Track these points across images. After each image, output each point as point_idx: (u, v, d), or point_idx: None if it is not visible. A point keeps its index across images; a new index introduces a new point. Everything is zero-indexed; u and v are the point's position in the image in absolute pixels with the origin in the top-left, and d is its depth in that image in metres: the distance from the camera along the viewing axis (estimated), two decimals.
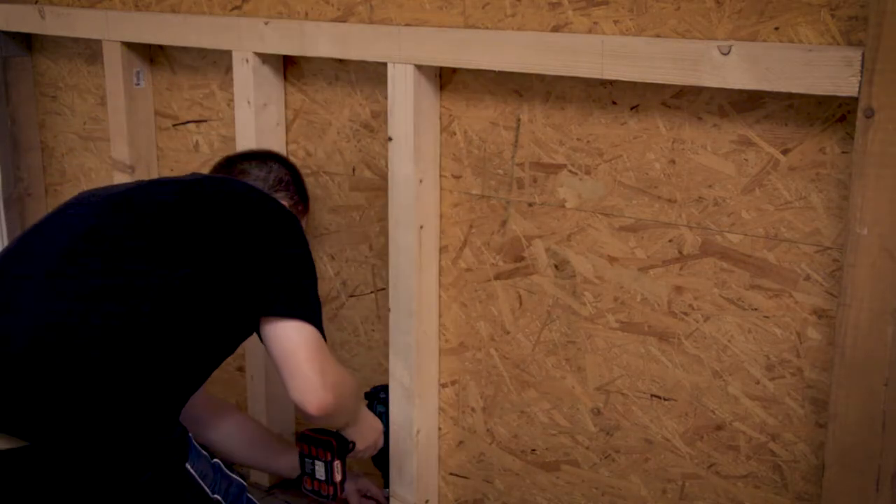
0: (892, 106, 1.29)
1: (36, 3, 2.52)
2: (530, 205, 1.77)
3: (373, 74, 1.95)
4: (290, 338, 1.55)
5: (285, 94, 2.11)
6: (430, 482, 2.00)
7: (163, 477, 1.51)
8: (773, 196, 1.51)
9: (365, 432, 1.86)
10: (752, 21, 1.45)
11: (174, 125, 2.38)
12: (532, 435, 1.86)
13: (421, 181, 1.83)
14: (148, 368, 1.47)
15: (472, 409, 1.94)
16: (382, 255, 2.02)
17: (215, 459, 1.67)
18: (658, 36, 1.54)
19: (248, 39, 2.02)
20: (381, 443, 1.93)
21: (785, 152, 1.49)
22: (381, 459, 1.98)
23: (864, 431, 1.40)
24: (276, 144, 2.11)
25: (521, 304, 1.82)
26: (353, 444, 1.83)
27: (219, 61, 2.23)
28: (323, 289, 2.03)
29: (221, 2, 2.14)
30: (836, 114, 1.43)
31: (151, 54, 2.37)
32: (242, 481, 1.70)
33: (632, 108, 1.62)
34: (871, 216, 1.34)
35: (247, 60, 2.05)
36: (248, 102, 2.07)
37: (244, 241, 1.59)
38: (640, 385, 1.70)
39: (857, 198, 1.34)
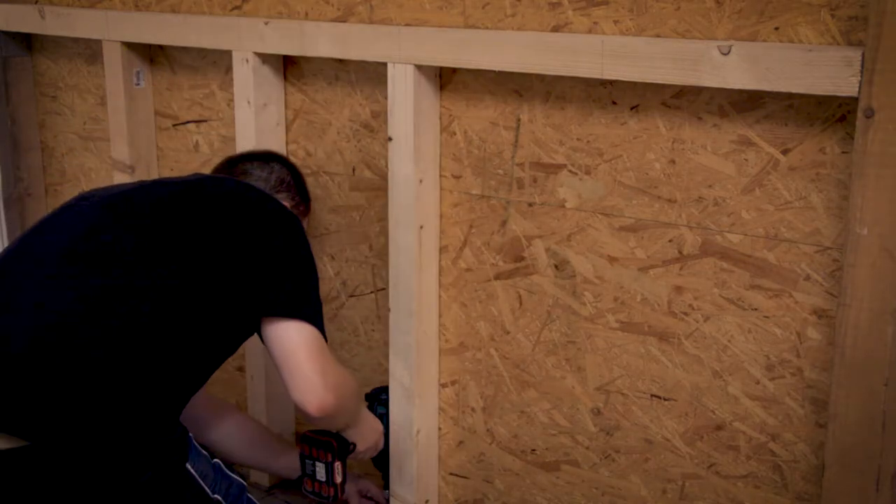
0: (892, 106, 1.29)
1: (36, 3, 2.52)
2: (530, 205, 1.77)
3: (373, 74, 1.95)
4: (290, 338, 1.55)
5: (285, 94, 2.11)
6: (430, 482, 2.00)
7: (163, 477, 1.52)
8: (773, 196, 1.51)
9: (365, 433, 1.86)
10: (752, 21, 1.45)
11: (174, 125, 2.38)
12: (532, 435, 1.87)
13: (421, 181, 1.83)
14: (148, 369, 1.47)
15: (472, 409, 1.94)
16: (382, 255, 2.02)
17: (215, 459, 1.67)
18: (658, 36, 1.54)
19: (248, 39, 2.02)
20: (381, 444, 1.93)
21: (785, 152, 1.49)
22: (382, 461, 1.98)
23: (864, 431, 1.40)
24: (276, 144, 2.11)
25: (521, 304, 1.82)
26: (354, 445, 1.83)
27: (219, 61, 2.23)
28: (323, 289, 2.03)
29: (221, 2, 2.14)
30: (836, 114, 1.43)
31: (151, 54, 2.37)
32: (243, 481, 1.70)
33: (632, 108, 1.62)
34: (871, 216, 1.34)
35: (247, 60, 2.05)
36: (248, 102, 2.07)
37: (245, 241, 1.59)
38: (640, 385, 1.70)
39: (857, 198, 1.34)
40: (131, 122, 2.37)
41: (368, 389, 2.02)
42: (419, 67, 1.77)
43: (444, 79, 1.82)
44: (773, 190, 1.51)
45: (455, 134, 1.84)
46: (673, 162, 1.59)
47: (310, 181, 2.04)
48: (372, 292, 2.08)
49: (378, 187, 1.99)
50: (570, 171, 1.71)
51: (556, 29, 1.64)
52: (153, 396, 1.49)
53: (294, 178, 1.92)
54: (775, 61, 1.37)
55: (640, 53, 1.50)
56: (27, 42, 2.68)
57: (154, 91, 2.40)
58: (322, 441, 1.80)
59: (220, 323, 1.58)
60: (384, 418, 1.95)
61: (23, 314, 1.47)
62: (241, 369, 2.31)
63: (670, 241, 1.62)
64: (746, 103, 1.50)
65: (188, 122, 2.35)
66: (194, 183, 1.73)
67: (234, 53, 2.07)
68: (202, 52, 2.25)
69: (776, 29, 1.43)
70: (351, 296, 2.12)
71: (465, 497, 2.01)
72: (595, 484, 1.80)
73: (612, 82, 1.62)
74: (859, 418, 1.40)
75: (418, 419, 1.92)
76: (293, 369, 1.54)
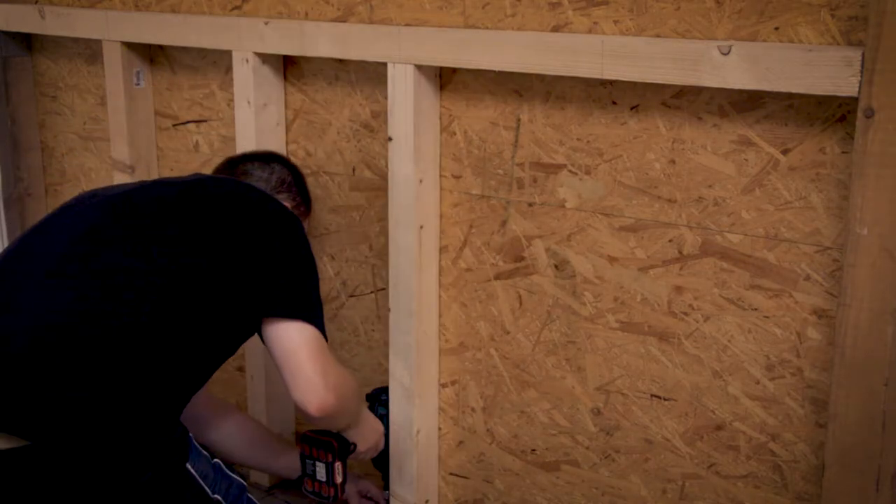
0: (892, 106, 1.29)
1: (36, 3, 2.52)
2: (530, 205, 1.77)
3: (373, 74, 1.95)
4: (291, 338, 1.55)
5: (285, 94, 2.11)
6: (430, 482, 2.00)
7: (163, 477, 1.52)
8: (773, 196, 1.51)
9: (366, 434, 1.86)
10: (752, 21, 1.45)
11: (174, 125, 2.38)
12: (532, 435, 1.87)
13: (421, 181, 1.83)
14: (148, 369, 1.47)
15: (472, 409, 1.94)
16: (382, 255, 2.02)
17: (216, 459, 1.67)
18: (658, 36, 1.54)
19: (248, 39, 2.02)
20: (381, 444, 1.93)
21: (785, 152, 1.49)
22: (382, 461, 1.98)
23: (864, 431, 1.40)
24: (276, 144, 2.11)
25: (521, 304, 1.82)
26: (354, 445, 1.82)
27: (219, 61, 2.23)
28: (323, 289, 2.03)
29: (221, 2, 2.14)
30: (836, 114, 1.43)
31: (151, 54, 2.37)
32: (243, 481, 1.70)
33: (632, 108, 1.62)
34: (871, 216, 1.34)
35: (247, 60, 2.05)
36: (248, 102, 2.07)
37: (245, 241, 1.59)
38: (640, 385, 1.70)
39: (857, 198, 1.34)
40: (131, 122, 2.37)
41: (369, 390, 2.02)
42: (419, 67, 1.77)
43: (444, 79, 1.82)
44: (773, 190, 1.51)
45: (455, 134, 1.84)
46: (673, 162, 1.59)
47: (310, 181, 2.04)
48: (372, 292, 2.08)
49: (378, 187, 1.99)
50: (570, 171, 1.71)
51: (556, 29, 1.65)
52: (153, 396, 1.49)
53: (295, 179, 1.92)
54: (775, 61, 1.37)
55: (640, 53, 1.50)
56: (27, 42, 2.68)
57: (154, 91, 2.40)
58: (322, 441, 1.80)
59: (220, 323, 1.58)
60: (384, 419, 1.95)
61: (23, 314, 1.47)
62: (241, 369, 2.31)
63: (670, 241, 1.62)
64: (746, 103, 1.50)
65: (188, 122, 2.35)
66: (195, 183, 1.72)
67: (234, 53, 2.07)
68: (202, 52, 2.25)
69: (776, 29, 1.43)
70: (351, 296, 2.12)
71: (465, 497, 2.01)
72: (595, 484, 1.80)
73: (612, 82, 1.62)
74: (859, 418, 1.40)
75: (418, 419, 1.92)
76: (294, 369, 1.54)
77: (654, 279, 1.65)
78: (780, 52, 1.37)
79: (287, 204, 1.84)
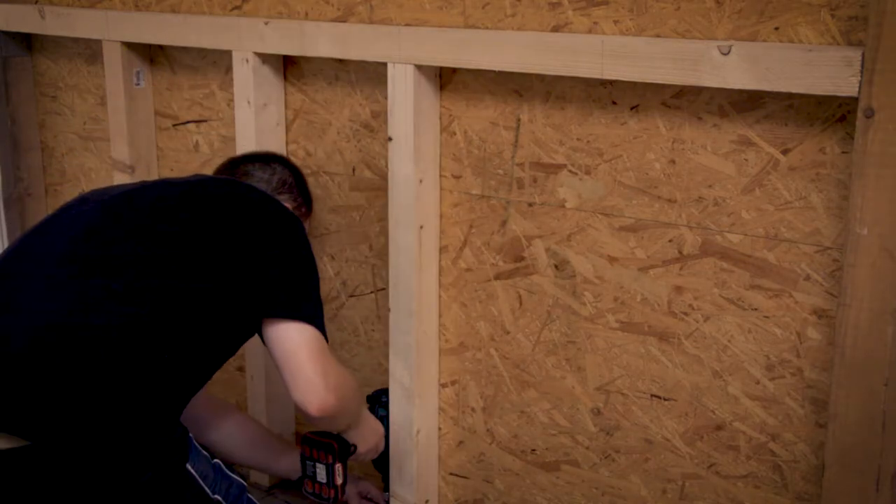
0: (892, 106, 1.29)
1: (36, 3, 2.52)
2: (530, 205, 1.77)
3: (373, 74, 1.95)
4: (291, 339, 1.55)
5: (285, 94, 2.11)
6: (430, 482, 2.00)
7: (163, 477, 1.52)
8: (773, 196, 1.51)
9: (366, 435, 1.86)
10: (752, 21, 1.45)
11: (174, 125, 2.38)
12: (532, 435, 1.87)
13: (421, 181, 1.83)
14: (148, 369, 1.47)
15: (472, 409, 1.94)
16: (382, 255, 2.02)
17: (216, 460, 1.67)
18: (658, 36, 1.54)
19: (248, 39, 2.02)
20: (382, 446, 1.93)
21: (785, 152, 1.49)
22: (382, 462, 1.98)
23: (864, 431, 1.40)
24: (276, 144, 2.11)
25: (521, 304, 1.82)
26: (355, 446, 1.82)
27: (219, 61, 2.23)
28: (323, 289, 2.03)
29: (221, 2, 2.14)
30: (836, 114, 1.43)
31: (151, 54, 2.37)
32: (243, 482, 1.70)
33: (632, 108, 1.62)
34: (871, 216, 1.34)
35: (247, 60, 2.05)
36: (248, 102, 2.07)
37: (246, 242, 1.59)
38: (640, 385, 1.70)
39: (857, 198, 1.34)
40: (131, 122, 2.37)
41: (369, 390, 2.02)
42: (419, 67, 1.77)
43: (444, 79, 1.82)
44: (773, 190, 1.51)
45: (455, 134, 1.84)
46: (673, 162, 1.59)
47: (310, 181, 2.04)
48: (372, 292, 2.08)
49: (378, 187, 1.99)
50: (570, 171, 1.71)
51: (556, 29, 1.64)
52: (153, 397, 1.49)
53: (296, 180, 1.92)
54: (775, 61, 1.37)
55: (640, 53, 1.50)
56: (27, 42, 2.68)
57: (154, 91, 2.40)
58: (323, 442, 1.80)
59: (220, 323, 1.58)
60: (385, 420, 1.94)
61: (23, 314, 1.47)
62: (241, 369, 2.31)
63: (670, 241, 1.62)
64: (746, 103, 1.50)
65: (188, 122, 2.35)
66: (195, 184, 1.72)
67: (234, 53, 2.07)
68: (202, 52, 2.25)
69: (776, 29, 1.43)
70: (351, 296, 2.12)
71: (465, 497, 2.01)
72: (595, 484, 1.80)
73: (612, 82, 1.62)
74: (859, 418, 1.40)
75: (418, 419, 1.92)
76: (294, 370, 1.54)
77: (654, 279, 1.65)
78: (780, 52, 1.37)
79: (288, 205, 1.84)
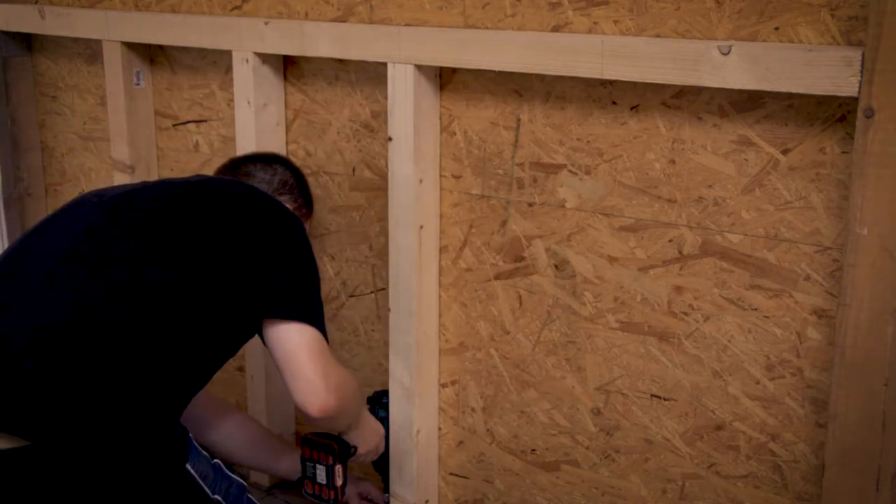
0: (892, 106, 1.29)
1: (36, 3, 2.52)
2: (530, 205, 1.77)
3: (373, 74, 1.95)
4: (292, 339, 1.55)
5: (285, 94, 2.11)
6: (430, 482, 2.00)
7: (163, 477, 1.52)
8: (773, 196, 1.51)
9: (367, 436, 1.86)
10: (752, 21, 1.45)
11: (174, 125, 2.38)
12: (532, 435, 1.86)
13: (421, 181, 1.83)
14: (148, 369, 1.47)
15: (472, 409, 1.94)
16: (382, 255, 2.02)
17: (216, 460, 1.67)
18: (658, 36, 1.54)
19: (248, 39, 2.02)
20: (382, 447, 1.93)
21: (785, 152, 1.49)
22: (382, 464, 1.97)
23: (864, 431, 1.40)
24: (276, 144, 2.11)
25: (521, 304, 1.82)
26: (355, 448, 1.82)
27: (219, 61, 2.23)
28: (323, 289, 2.03)
29: (221, 2, 2.14)
30: (836, 114, 1.43)
31: (151, 54, 2.37)
32: (243, 482, 1.70)
33: (632, 108, 1.62)
34: (871, 216, 1.34)
35: (247, 60, 2.05)
36: (248, 102, 2.07)
37: (246, 242, 1.59)
38: (640, 385, 1.70)
39: (857, 198, 1.34)
40: (131, 122, 2.37)
41: (369, 390, 2.02)
42: (419, 67, 1.77)
43: (444, 79, 1.82)
44: (773, 190, 1.51)
45: (455, 134, 1.84)
46: (673, 162, 1.59)
47: (310, 181, 2.04)
48: (372, 292, 2.08)
49: (378, 187, 1.99)
50: (570, 171, 1.71)
51: (556, 29, 1.64)
52: (153, 397, 1.49)
53: (297, 181, 1.92)
54: (775, 61, 1.37)
55: (640, 53, 1.50)
56: (27, 42, 2.68)
57: (154, 91, 2.40)
58: (323, 444, 1.80)
59: (221, 324, 1.58)
60: (385, 421, 1.94)
61: (23, 314, 1.47)
62: (241, 369, 2.31)
63: (670, 241, 1.62)
64: (746, 103, 1.50)
65: (188, 122, 2.35)
66: (196, 184, 1.73)
67: (234, 53, 2.07)
68: (202, 52, 2.25)
69: (776, 29, 1.43)
70: (351, 296, 2.12)
71: (465, 497, 2.01)
72: (595, 484, 1.80)
73: (612, 82, 1.62)
74: (859, 418, 1.40)
75: (418, 419, 1.92)
76: (295, 371, 1.54)
77: (654, 279, 1.65)
78: (780, 52, 1.37)
79: (289, 205, 1.84)
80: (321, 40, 1.89)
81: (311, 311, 1.58)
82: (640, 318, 1.68)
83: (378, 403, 1.96)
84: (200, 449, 1.62)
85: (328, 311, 2.10)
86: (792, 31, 1.42)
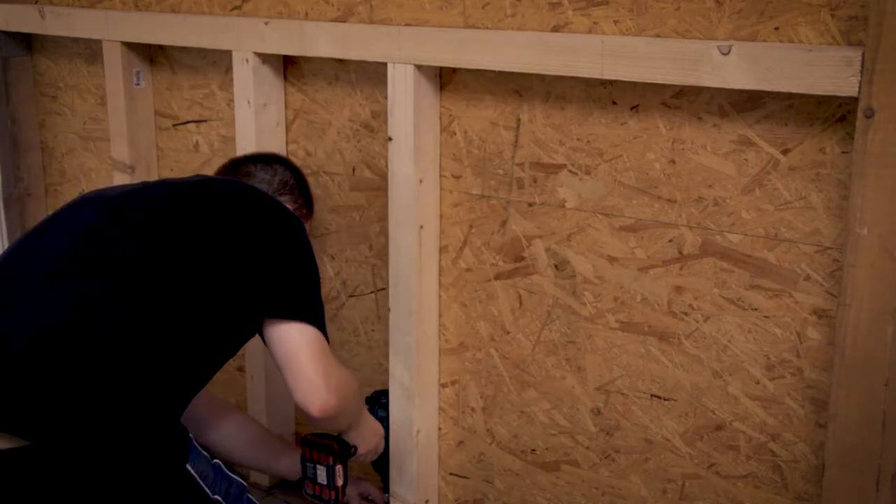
0: (892, 106, 1.29)
1: (36, 3, 2.52)
2: (530, 205, 1.77)
3: (373, 74, 1.95)
4: (292, 339, 1.55)
5: (285, 94, 2.11)
6: (430, 482, 2.00)
7: (163, 477, 1.51)
8: (773, 196, 1.51)
9: (367, 436, 1.86)
10: (752, 21, 1.45)
11: (174, 125, 2.38)
12: (532, 435, 1.87)
13: (421, 181, 1.83)
14: (148, 369, 1.47)
15: (472, 409, 1.94)
16: (382, 255, 2.02)
17: (216, 460, 1.67)
18: (658, 36, 1.54)
19: (248, 39, 2.02)
20: (381, 447, 1.93)
21: (785, 152, 1.49)
22: (382, 464, 1.97)
23: (864, 431, 1.40)
24: (276, 144, 2.11)
25: (521, 304, 1.82)
26: (355, 448, 1.82)
27: (219, 61, 2.23)
28: (323, 289, 2.03)
29: (221, 2, 2.14)
30: (836, 114, 1.43)
31: (151, 54, 2.37)
32: (243, 482, 1.70)
33: (632, 108, 1.62)
34: (871, 216, 1.34)
35: (247, 60, 2.05)
36: (248, 102, 2.07)
37: (247, 242, 1.59)
38: (640, 385, 1.70)
39: (857, 198, 1.34)
40: (131, 122, 2.37)
41: (369, 390, 2.02)
42: (419, 67, 1.77)
43: (444, 79, 1.82)
44: (773, 190, 1.51)
45: (455, 134, 1.84)
46: (673, 162, 1.59)
47: (310, 181, 2.04)
48: (372, 292, 2.08)
49: (378, 187, 1.99)
50: (570, 171, 1.71)
51: (556, 29, 1.64)
52: (154, 397, 1.49)
53: (297, 181, 1.91)
54: (775, 61, 1.37)
55: (640, 53, 1.50)
56: (27, 42, 2.68)
57: (154, 91, 2.40)
58: (323, 444, 1.80)
59: (221, 324, 1.57)
60: (384, 421, 1.94)
61: (23, 314, 1.47)
62: (241, 369, 2.31)
63: (670, 241, 1.62)
64: (746, 103, 1.50)
65: (188, 122, 2.35)
66: (196, 184, 1.72)
67: (234, 53, 2.07)
68: (202, 52, 2.25)
69: (776, 29, 1.43)
70: (351, 296, 2.12)
71: (465, 497, 2.01)
72: (595, 484, 1.80)
73: (612, 82, 1.62)
74: (859, 418, 1.40)
75: (418, 419, 1.92)
76: (295, 371, 1.54)
77: (654, 279, 1.65)
78: (780, 52, 1.37)
79: (289, 206, 1.83)
80: (321, 40, 1.89)
81: (311, 311, 1.58)
82: (640, 318, 1.68)
83: (377, 403, 1.96)
84: (200, 449, 1.62)
85: (328, 311, 2.10)
86: (792, 31, 1.42)
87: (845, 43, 1.37)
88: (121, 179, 2.40)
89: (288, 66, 2.10)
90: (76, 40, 2.53)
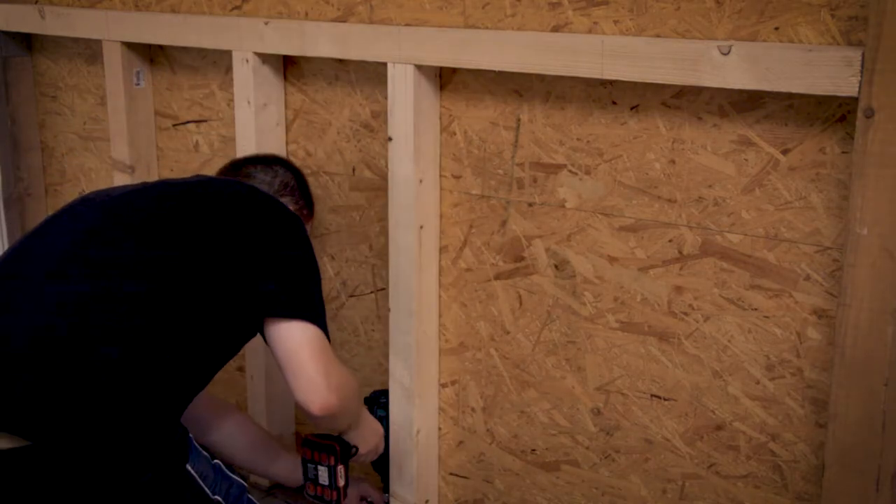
0: (892, 106, 1.29)
1: (36, 3, 2.52)
2: (530, 205, 1.77)
3: (373, 74, 1.95)
4: (293, 338, 1.55)
5: (285, 94, 2.11)
6: (430, 482, 2.00)
7: (163, 477, 1.52)
8: (773, 196, 1.51)
9: (367, 436, 1.86)
10: (752, 21, 1.45)
11: (174, 125, 2.38)
12: (532, 435, 1.87)
13: (421, 181, 1.83)
14: (149, 369, 1.47)
15: (472, 409, 1.94)
16: (382, 255, 2.02)
17: (216, 460, 1.67)
18: (658, 36, 1.54)
19: (248, 39, 2.02)
20: (381, 447, 1.93)
21: (785, 152, 1.49)
22: (382, 464, 1.97)
23: (864, 431, 1.40)
24: (276, 144, 2.11)
25: (521, 304, 1.82)
26: (356, 448, 1.82)
27: (219, 61, 2.23)
28: (323, 289, 2.03)
29: (221, 2, 2.14)
30: (836, 114, 1.43)
31: (151, 54, 2.37)
32: (243, 482, 1.70)
33: (632, 108, 1.62)
34: (871, 216, 1.34)
35: (247, 60, 2.05)
36: (248, 102, 2.07)
37: (247, 242, 1.59)
38: (640, 385, 1.70)
39: (857, 198, 1.34)
40: (131, 122, 2.37)
41: (369, 390, 2.02)
42: (419, 67, 1.77)
43: (444, 79, 1.82)
44: (773, 190, 1.51)
45: (455, 134, 1.84)
46: (673, 162, 1.59)
47: (310, 181, 2.04)
48: (372, 292, 2.08)
49: (378, 187, 1.99)
50: (570, 171, 1.71)
51: (556, 29, 1.64)
52: (154, 397, 1.49)
53: (298, 182, 1.91)
54: (775, 61, 1.37)
55: (640, 53, 1.50)
56: (27, 42, 2.68)
57: (154, 91, 2.40)
58: (324, 445, 1.80)
59: (222, 324, 1.58)
60: (384, 421, 1.94)
61: (23, 314, 1.47)
62: (241, 369, 2.31)
63: (670, 241, 1.62)
64: (746, 103, 1.50)
65: (188, 122, 2.35)
66: (197, 184, 1.73)
67: (234, 53, 2.07)
68: (202, 52, 2.25)
69: (776, 29, 1.43)
70: (351, 296, 2.12)
71: (465, 497, 2.01)
72: (595, 484, 1.80)
73: (612, 82, 1.62)
74: (859, 418, 1.40)
75: (418, 419, 1.92)
76: (296, 369, 1.54)
77: (654, 279, 1.65)
78: (780, 52, 1.37)
79: (290, 207, 1.83)
80: (321, 40, 1.89)
81: (312, 310, 1.58)
82: (640, 318, 1.68)
83: (376, 403, 1.96)
84: (201, 449, 1.63)
85: (328, 311, 2.10)
86: (792, 31, 1.42)
87: (845, 43, 1.37)
88: (121, 179, 2.40)
89: (288, 66, 2.10)
90: (76, 40, 2.53)
